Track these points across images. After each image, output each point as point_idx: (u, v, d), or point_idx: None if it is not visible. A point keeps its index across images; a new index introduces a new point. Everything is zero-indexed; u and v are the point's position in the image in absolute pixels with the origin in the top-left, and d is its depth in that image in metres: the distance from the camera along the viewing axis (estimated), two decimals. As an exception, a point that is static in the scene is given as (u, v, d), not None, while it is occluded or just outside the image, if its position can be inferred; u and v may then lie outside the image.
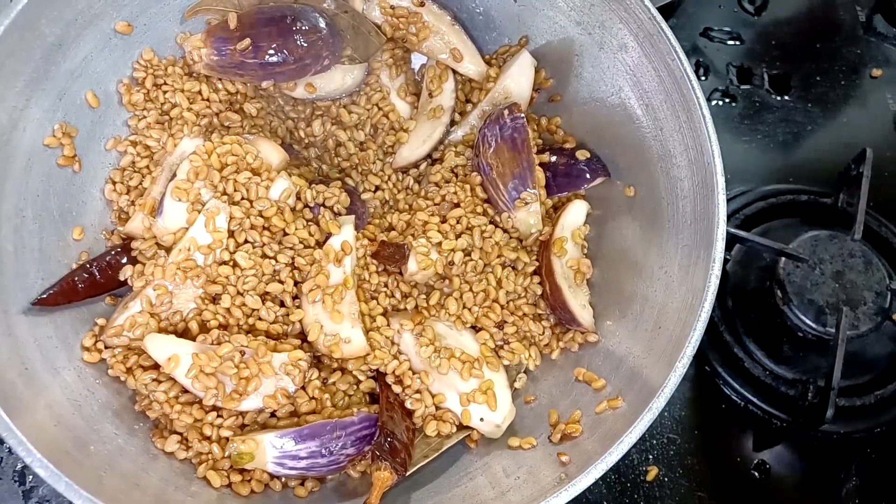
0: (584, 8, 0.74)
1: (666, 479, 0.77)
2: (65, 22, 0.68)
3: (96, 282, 0.69)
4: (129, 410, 0.66)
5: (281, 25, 0.73)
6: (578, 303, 0.71)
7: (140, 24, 0.74)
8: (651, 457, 0.77)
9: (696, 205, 0.66)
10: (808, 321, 0.78)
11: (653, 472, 0.76)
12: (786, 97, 0.98)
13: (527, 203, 0.72)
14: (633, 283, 0.71)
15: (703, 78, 0.98)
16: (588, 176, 0.75)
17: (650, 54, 0.70)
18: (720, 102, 0.97)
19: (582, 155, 0.75)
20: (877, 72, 1.00)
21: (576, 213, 0.74)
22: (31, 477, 0.74)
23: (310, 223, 0.70)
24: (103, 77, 0.73)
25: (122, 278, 0.69)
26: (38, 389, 0.61)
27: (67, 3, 0.68)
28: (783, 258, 0.81)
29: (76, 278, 0.68)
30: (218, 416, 0.65)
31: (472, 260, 0.71)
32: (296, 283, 0.69)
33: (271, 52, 0.73)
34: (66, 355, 0.66)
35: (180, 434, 0.65)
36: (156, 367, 0.67)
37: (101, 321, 0.68)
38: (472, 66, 0.79)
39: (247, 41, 0.72)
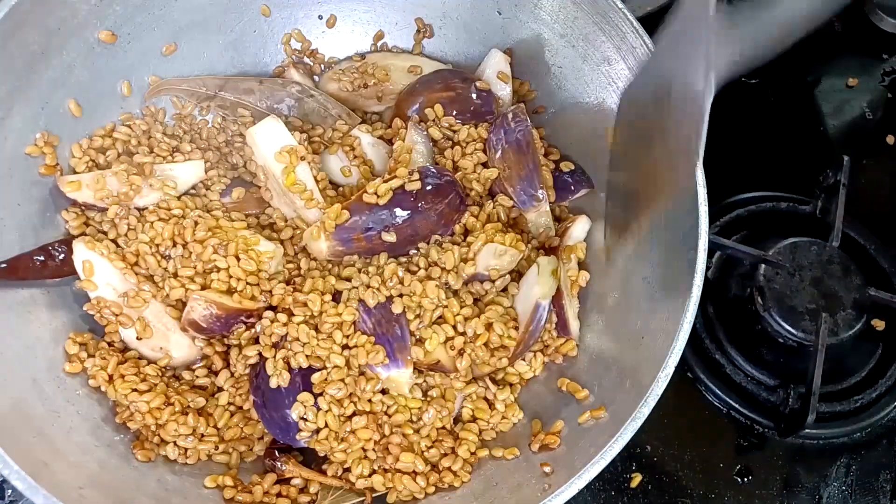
0: (567, 21, 0.75)
1: (650, 486, 0.77)
2: (48, 31, 0.68)
3: (56, 264, 0.68)
4: (109, 422, 0.66)
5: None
6: (572, 311, 0.72)
7: (124, 33, 0.73)
8: (635, 464, 0.78)
9: (679, 215, 0.67)
10: (788, 327, 0.79)
11: (637, 479, 0.77)
12: (764, 106, 0.99)
13: (536, 204, 0.73)
14: (616, 293, 0.71)
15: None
16: (573, 188, 0.76)
17: (633, 67, 0.71)
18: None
19: (566, 167, 0.76)
20: (853, 81, 1.02)
21: (580, 229, 0.75)
22: (10, 491, 0.73)
23: None
24: (87, 86, 0.73)
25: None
26: (15, 400, 0.61)
27: (51, 12, 0.67)
28: (763, 265, 0.81)
29: (34, 256, 0.68)
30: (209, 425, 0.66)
31: None
32: None
33: None
34: (46, 365, 0.65)
35: (174, 442, 0.66)
36: (137, 375, 0.66)
37: (79, 338, 0.68)
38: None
39: None
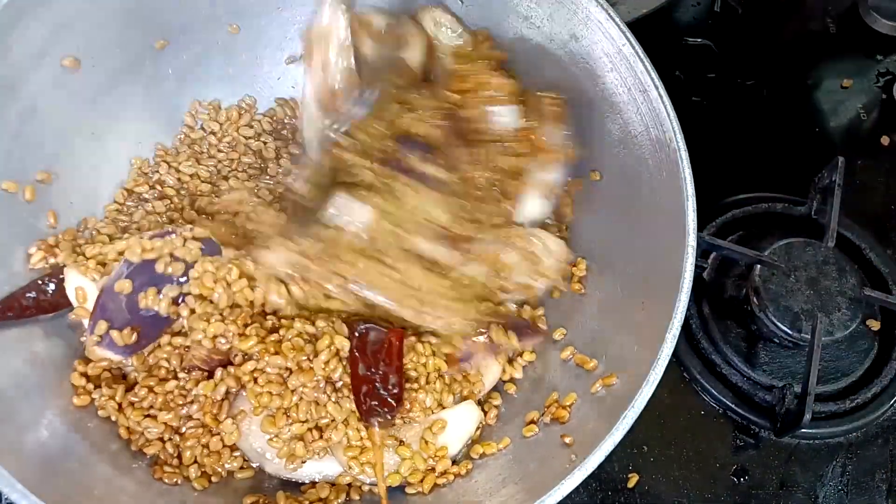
0: (531, 2, 0.75)
1: (647, 486, 0.77)
2: (11, 64, 0.67)
3: (48, 298, 0.67)
4: (125, 450, 0.65)
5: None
6: None
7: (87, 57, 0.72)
8: (632, 464, 0.78)
9: (663, 180, 0.68)
10: (783, 327, 0.79)
11: (633, 479, 0.77)
12: (760, 107, 1.00)
13: None
14: (611, 260, 0.73)
15: (679, 89, 0.99)
16: None
17: (600, 41, 0.72)
18: (696, 112, 0.99)
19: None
20: (847, 82, 1.02)
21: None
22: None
23: None
24: (58, 116, 0.71)
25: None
26: (32, 443, 0.60)
27: (9, 48, 0.66)
28: (758, 266, 0.82)
29: (26, 294, 0.66)
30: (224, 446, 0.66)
31: None
32: None
33: None
34: (54, 401, 0.64)
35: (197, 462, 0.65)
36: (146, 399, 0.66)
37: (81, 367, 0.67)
38: None
39: None
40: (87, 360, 0.67)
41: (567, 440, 0.64)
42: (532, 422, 0.68)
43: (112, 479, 0.62)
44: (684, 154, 0.66)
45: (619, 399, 0.62)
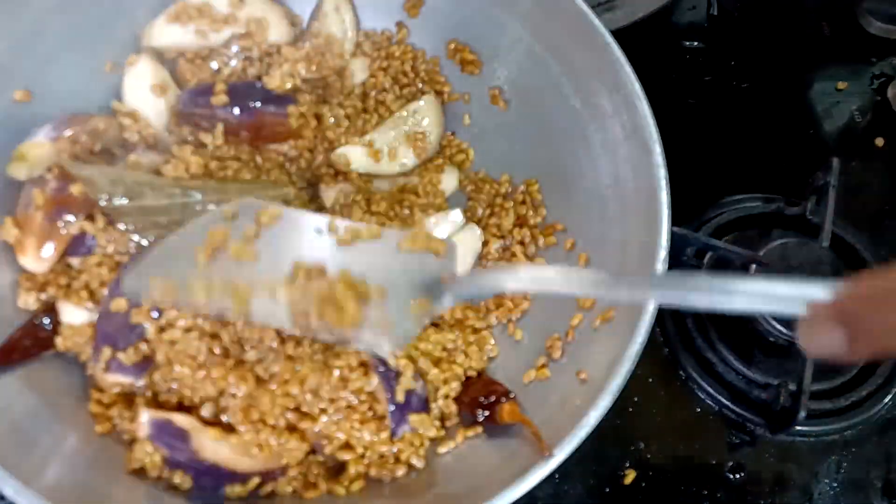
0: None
1: (644, 482, 0.78)
2: None
3: (47, 334, 0.66)
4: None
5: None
6: None
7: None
8: (629, 461, 0.79)
9: (634, 163, 0.69)
10: (778, 326, 0.80)
11: (630, 475, 0.78)
12: (755, 109, 1.01)
13: None
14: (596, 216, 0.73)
15: (675, 92, 1.00)
16: None
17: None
18: (692, 114, 0.99)
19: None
20: (842, 84, 1.03)
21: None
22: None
23: None
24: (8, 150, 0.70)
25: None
26: (73, 482, 0.59)
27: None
28: (754, 265, 0.83)
29: (25, 335, 0.65)
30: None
31: None
32: None
33: None
34: (75, 431, 0.63)
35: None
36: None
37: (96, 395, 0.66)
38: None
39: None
40: (102, 388, 0.66)
41: (583, 376, 0.64)
42: (543, 366, 0.69)
43: (156, 498, 0.62)
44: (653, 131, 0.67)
45: (622, 329, 0.63)
